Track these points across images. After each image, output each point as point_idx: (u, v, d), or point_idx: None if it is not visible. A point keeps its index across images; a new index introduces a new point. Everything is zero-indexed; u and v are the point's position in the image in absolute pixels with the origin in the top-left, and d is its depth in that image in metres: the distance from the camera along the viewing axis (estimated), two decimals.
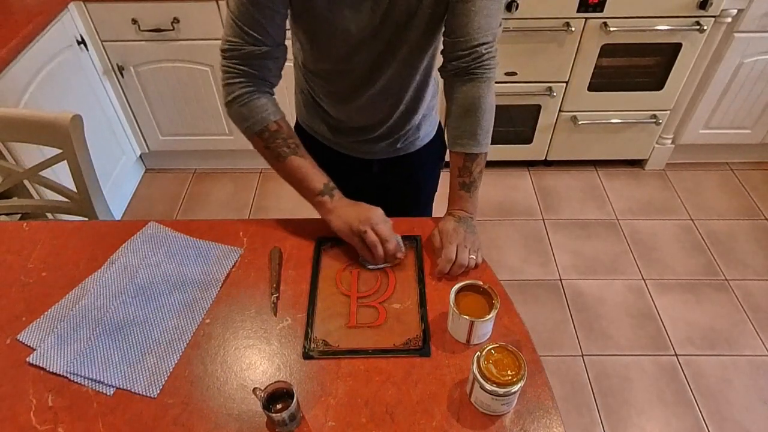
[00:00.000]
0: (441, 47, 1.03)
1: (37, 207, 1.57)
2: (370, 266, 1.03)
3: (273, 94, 1.03)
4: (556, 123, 2.39)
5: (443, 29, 1.00)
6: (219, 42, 0.98)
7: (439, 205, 1.26)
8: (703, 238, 2.27)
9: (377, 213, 1.01)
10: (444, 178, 1.22)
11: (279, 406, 0.79)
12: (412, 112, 1.18)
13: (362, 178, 1.34)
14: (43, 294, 1.00)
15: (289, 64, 1.16)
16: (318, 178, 1.03)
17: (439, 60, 1.07)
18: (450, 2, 0.94)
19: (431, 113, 1.26)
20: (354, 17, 0.96)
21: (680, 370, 1.82)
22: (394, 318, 0.95)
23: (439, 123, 1.33)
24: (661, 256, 2.20)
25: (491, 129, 1.04)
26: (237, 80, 0.97)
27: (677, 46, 2.13)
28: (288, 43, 1.01)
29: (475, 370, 0.78)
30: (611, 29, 2.05)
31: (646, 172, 2.60)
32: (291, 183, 1.05)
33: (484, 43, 0.96)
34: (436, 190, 1.43)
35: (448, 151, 1.10)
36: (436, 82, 1.20)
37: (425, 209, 1.45)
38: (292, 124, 1.33)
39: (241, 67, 0.96)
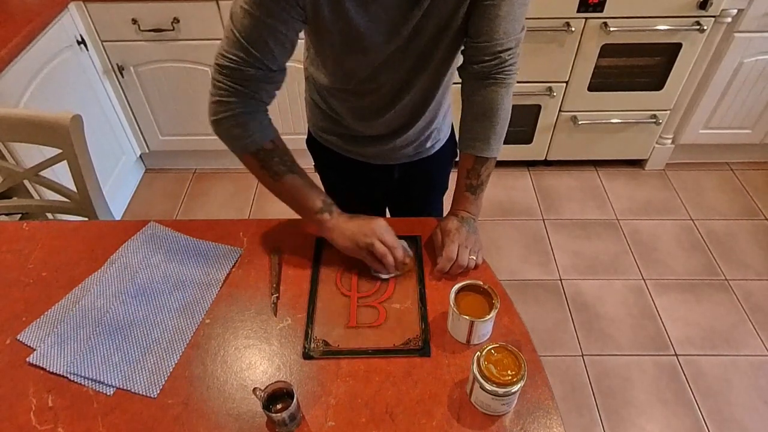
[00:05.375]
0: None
1: (37, 207, 1.57)
2: (383, 276, 1.01)
3: (266, 112, 0.99)
4: (556, 123, 2.39)
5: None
6: (219, 42, 0.96)
7: (446, 205, 1.25)
8: (703, 238, 2.27)
9: (380, 223, 0.99)
10: (452, 179, 1.21)
11: (279, 406, 0.79)
12: (435, 115, 1.17)
13: (383, 184, 1.32)
14: (43, 294, 1.00)
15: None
16: (316, 196, 1.01)
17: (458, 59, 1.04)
18: (477, 5, 0.91)
19: (449, 111, 1.24)
20: (386, 32, 0.92)
21: (680, 370, 1.82)
22: (394, 318, 0.95)
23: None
24: (661, 256, 2.20)
25: (504, 134, 1.03)
26: (230, 99, 0.92)
27: (677, 46, 2.13)
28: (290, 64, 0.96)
29: (475, 370, 0.78)
30: (611, 29, 2.04)
31: (646, 172, 2.60)
32: (287, 202, 1.02)
33: (507, 49, 0.95)
34: (447, 189, 1.40)
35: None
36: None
37: (435, 209, 1.43)
38: (304, 136, 1.30)
39: (238, 87, 0.91)
